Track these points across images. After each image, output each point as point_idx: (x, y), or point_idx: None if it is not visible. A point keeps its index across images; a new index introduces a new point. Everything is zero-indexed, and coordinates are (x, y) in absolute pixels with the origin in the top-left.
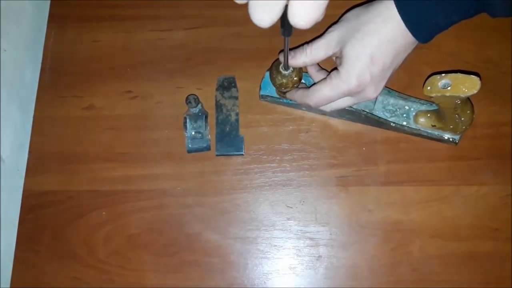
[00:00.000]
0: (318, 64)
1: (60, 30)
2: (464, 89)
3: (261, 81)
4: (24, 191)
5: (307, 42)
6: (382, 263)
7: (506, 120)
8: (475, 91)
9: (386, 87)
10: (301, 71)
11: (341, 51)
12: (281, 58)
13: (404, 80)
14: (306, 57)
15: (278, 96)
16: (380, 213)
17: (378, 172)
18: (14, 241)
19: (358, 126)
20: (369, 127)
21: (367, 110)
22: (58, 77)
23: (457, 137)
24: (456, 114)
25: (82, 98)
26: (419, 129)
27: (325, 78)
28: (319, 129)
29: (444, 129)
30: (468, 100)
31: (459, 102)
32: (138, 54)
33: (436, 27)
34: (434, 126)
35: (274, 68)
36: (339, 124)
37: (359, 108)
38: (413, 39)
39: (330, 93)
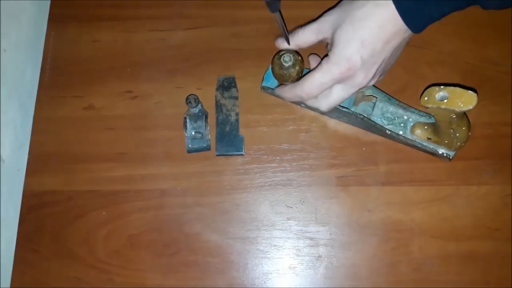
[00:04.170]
0: (320, 58)
1: (60, 30)
2: (460, 103)
3: (265, 73)
4: (24, 191)
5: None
6: (382, 263)
7: (506, 120)
8: (471, 107)
9: (387, 94)
10: (302, 64)
11: (332, 36)
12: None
13: (403, 80)
14: (298, 39)
15: None
16: (380, 213)
17: (378, 172)
18: (14, 241)
19: None
20: (370, 132)
21: (365, 115)
22: (58, 77)
23: (451, 153)
24: (451, 129)
25: (82, 98)
26: (415, 140)
27: (316, 66)
28: (319, 129)
29: (439, 143)
30: (465, 116)
31: (454, 116)
32: (138, 54)
33: (429, 17)
34: (430, 139)
35: (275, 59)
36: (339, 124)
37: (357, 112)
38: (404, 28)
39: (321, 79)
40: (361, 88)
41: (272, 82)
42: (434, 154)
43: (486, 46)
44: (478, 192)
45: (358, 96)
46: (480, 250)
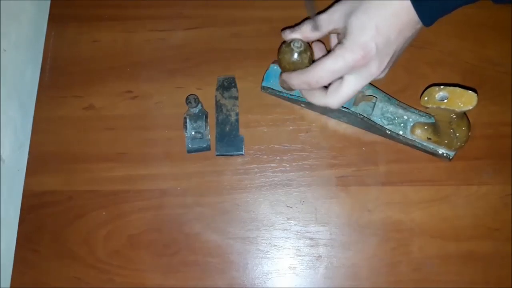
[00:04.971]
0: (324, 45)
1: (60, 30)
2: (460, 103)
3: (265, 73)
4: (24, 191)
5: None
6: (382, 263)
7: (506, 120)
8: (471, 107)
9: (387, 94)
10: (312, 50)
11: (344, 25)
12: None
13: (404, 80)
14: (307, 30)
15: (279, 90)
16: (380, 213)
17: (378, 172)
18: (14, 241)
19: None
20: (370, 132)
21: (365, 115)
22: (58, 77)
23: (451, 153)
24: (451, 129)
25: (82, 98)
26: (414, 140)
27: (326, 54)
28: (319, 129)
29: (439, 143)
30: (465, 116)
31: (454, 116)
32: (138, 54)
33: (441, 9)
34: (430, 139)
35: (284, 47)
36: (339, 124)
37: (357, 112)
38: (416, 19)
39: (333, 65)
40: (372, 79)
41: (272, 82)
42: (434, 154)
43: (486, 46)
44: (478, 192)
45: (358, 96)
46: (480, 250)
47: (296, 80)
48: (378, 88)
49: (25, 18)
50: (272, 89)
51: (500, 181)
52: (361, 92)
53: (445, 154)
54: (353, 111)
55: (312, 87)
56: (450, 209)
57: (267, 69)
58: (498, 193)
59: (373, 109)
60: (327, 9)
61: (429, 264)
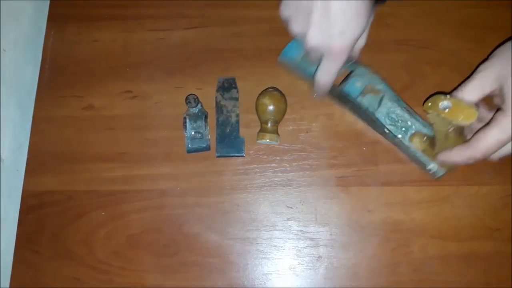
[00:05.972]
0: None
1: (59, 30)
2: (460, 116)
3: (288, 44)
4: (23, 191)
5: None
6: (383, 264)
7: None
8: (468, 123)
9: (398, 95)
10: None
11: (500, 89)
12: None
13: (404, 80)
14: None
15: (298, 66)
16: (381, 214)
17: (378, 172)
18: (13, 241)
19: (359, 126)
20: (370, 127)
21: (370, 109)
22: (58, 77)
23: (441, 172)
24: (446, 146)
25: (82, 98)
26: (409, 148)
27: (488, 123)
28: (319, 129)
29: (432, 159)
30: (462, 134)
31: (451, 129)
32: (138, 54)
33: None
34: (425, 151)
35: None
36: (339, 124)
37: (363, 103)
38: None
39: (500, 136)
40: None
41: (294, 56)
42: (423, 167)
43: (486, 46)
44: (479, 193)
45: (367, 87)
46: (480, 250)
47: (459, 156)
48: (390, 88)
49: (25, 18)
50: (292, 61)
51: (501, 181)
52: (370, 85)
53: (432, 171)
54: (358, 102)
55: (477, 160)
56: (451, 209)
57: (291, 41)
58: (498, 193)
59: (379, 105)
60: (473, 74)
61: (429, 265)
